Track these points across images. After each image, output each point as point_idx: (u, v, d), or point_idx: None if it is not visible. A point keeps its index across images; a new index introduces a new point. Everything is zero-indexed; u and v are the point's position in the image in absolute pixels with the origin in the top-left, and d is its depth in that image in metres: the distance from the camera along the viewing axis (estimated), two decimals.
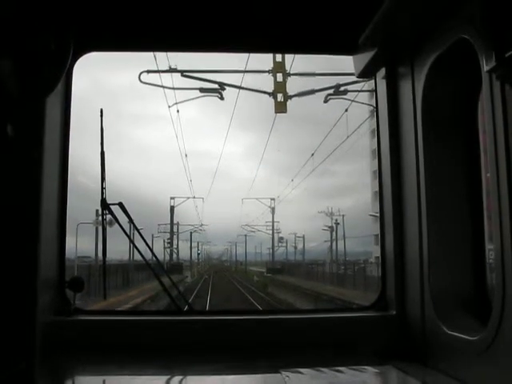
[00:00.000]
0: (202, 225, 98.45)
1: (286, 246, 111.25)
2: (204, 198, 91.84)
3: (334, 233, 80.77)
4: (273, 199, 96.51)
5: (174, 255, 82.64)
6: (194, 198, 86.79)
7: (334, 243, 79.41)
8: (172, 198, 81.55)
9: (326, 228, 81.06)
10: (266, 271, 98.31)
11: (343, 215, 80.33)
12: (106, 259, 4.68)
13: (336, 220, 78.78)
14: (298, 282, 59.88)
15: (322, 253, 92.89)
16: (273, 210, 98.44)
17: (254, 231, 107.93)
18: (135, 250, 4.47)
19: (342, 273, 61.56)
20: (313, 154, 56.33)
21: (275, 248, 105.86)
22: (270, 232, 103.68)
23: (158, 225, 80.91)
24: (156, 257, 5.28)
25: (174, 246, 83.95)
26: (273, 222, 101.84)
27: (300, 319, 4.45)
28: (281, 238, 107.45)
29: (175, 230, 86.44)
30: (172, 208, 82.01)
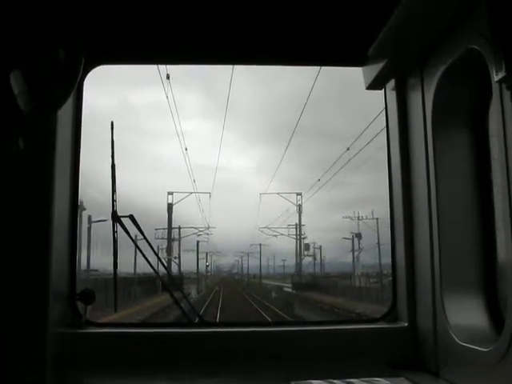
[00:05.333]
0: (208, 227, 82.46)
1: (321, 255, 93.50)
2: (210, 194, 75.59)
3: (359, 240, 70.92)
4: (299, 194, 77.99)
5: (177, 266, 67.18)
6: (198, 193, 72.64)
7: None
8: (170, 194, 66.02)
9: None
10: (291, 287, 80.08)
11: (377, 218, 67.95)
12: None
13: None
14: (345, 304, 42.54)
15: (341, 265, 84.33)
16: (299, 207, 78.71)
17: (275, 235, 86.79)
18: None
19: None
20: (348, 149, 56.20)
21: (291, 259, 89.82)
22: (294, 236, 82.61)
23: (155, 229, 65.14)
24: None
25: (175, 256, 66.50)
26: (299, 223, 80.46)
27: (311, 331, 4.43)
28: (306, 246, 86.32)
29: (177, 235, 69.77)
30: (170, 206, 65.64)
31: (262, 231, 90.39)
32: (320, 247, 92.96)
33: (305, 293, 63.26)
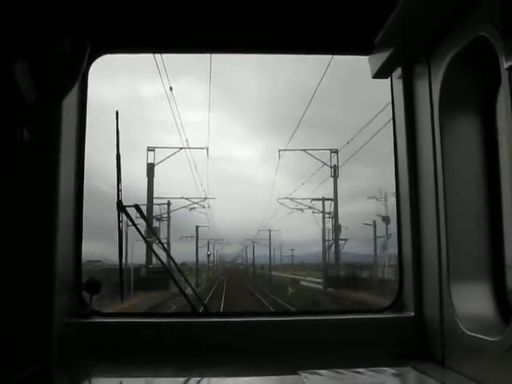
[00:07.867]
0: (205, 198, 62.83)
1: (375, 234, 65.54)
2: (207, 149, 61.75)
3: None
4: (334, 151, 59.13)
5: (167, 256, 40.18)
6: (189, 148, 55.56)
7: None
8: (151, 150, 48.65)
9: None
10: (323, 283, 58.56)
11: None
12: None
13: None
14: None
15: (355, 256, 76.09)
16: (335, 170, 59.08)
17: (301, 208, 67.10)
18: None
19: None
20: (348, 142, 53.62)
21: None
22: (318, 212, 63.82)
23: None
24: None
25: (163, 239, 47.11)
26: (335, 192, 60.10)
27: (317, 321, 4.42)
28: (338, 228, 63.14)
29: (159, 210, 52.96)
30: (151, 167, 48.39)
31: (282, 203, 71.04)
32: (374, 222, 66.81)
33: (341, 292, 45.01)
